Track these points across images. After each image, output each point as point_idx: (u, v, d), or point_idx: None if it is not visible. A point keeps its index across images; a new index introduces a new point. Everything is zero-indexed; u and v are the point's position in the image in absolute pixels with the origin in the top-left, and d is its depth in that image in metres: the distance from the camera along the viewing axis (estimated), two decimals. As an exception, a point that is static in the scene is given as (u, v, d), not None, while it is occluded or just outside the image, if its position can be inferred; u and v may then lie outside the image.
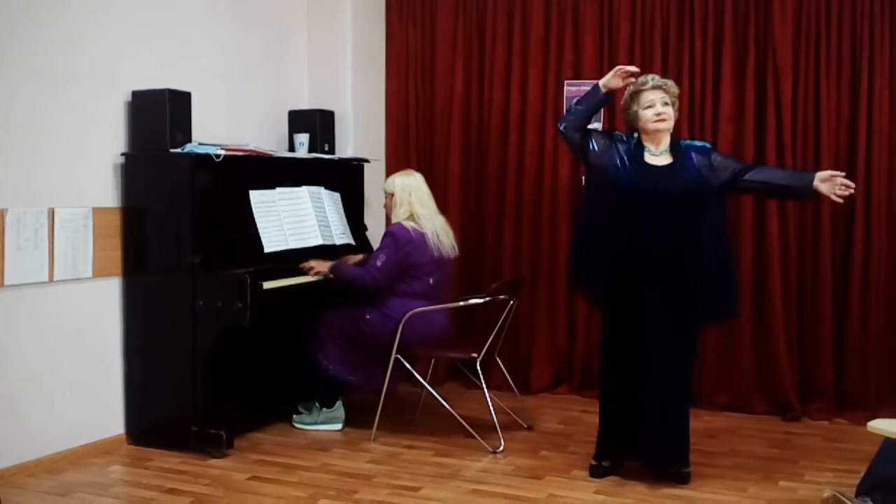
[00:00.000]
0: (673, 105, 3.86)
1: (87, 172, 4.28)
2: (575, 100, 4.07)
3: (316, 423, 4.76)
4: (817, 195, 3.82)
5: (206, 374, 4.29)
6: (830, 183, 3.75)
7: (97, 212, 4.31)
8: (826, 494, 3.27)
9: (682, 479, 3.91)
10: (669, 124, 3.84)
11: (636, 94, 3.86)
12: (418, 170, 5.66)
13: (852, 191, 3.77)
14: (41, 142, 4.06)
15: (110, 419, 4.43)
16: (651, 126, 3.82)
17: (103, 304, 4.39)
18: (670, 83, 3.90)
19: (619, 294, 3.83)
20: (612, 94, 3.96)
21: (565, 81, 5.53)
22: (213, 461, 4.22)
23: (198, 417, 4.31)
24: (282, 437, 4.64)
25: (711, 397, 5.21)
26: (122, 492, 3.87)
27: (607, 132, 3.96)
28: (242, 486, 3.92)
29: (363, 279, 4.50)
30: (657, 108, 3.81)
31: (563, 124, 3.94)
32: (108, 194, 4.38)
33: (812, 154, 5.09)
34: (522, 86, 5.63)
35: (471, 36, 5.77)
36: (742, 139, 5.16)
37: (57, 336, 4.16)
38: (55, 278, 4.13)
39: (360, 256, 4.85)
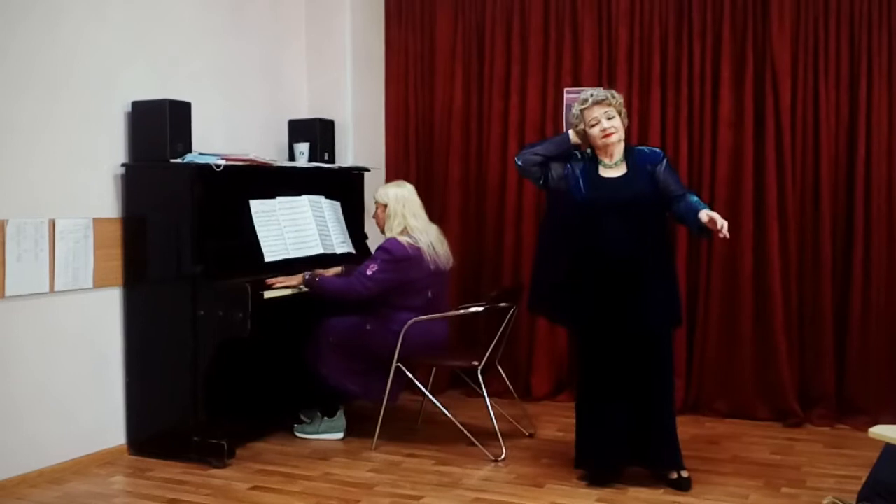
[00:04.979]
0: (620, 114, 3.92)
1: (88, 183, 4.29)
2: (536, 144, 4.19)
3: (317, 433, 4.76)
4: (708, 232, 3.81)
5: (207, 383, 4.29)
6: (711, 224, 3.72)
7: (98, 222, 4.31)
8: (826, 501, 3.27)
9: (683, 485, 3.91)
10: (618, 136, 3.90)
11: (581, 112, 3.92)
12: (418, 177, 5.71)
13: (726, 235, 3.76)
14: (41, 152, 4.07)
15: (112, 429, 4.43)
16: (600, 142, 3.90)
17: (104, 314, 4.39)
18: (609, 94, 3.93)
19: (586, 307, 3.87)
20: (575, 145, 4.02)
21: (565, 89, 5.54)
22: (215, 471, 4.21)
23: (199, 427, 4.31)
24: (283, 446, 4.64)
25: (713, 404, 5.20)
26: (125, 502, 3.87)
27: (564, 155, 4.00)
28: (244, 495, 3.92)
29: (353, 288, 4.46)
30: (602, 124, 3.88)
31: (521, 160, 4.04)
32: (108, 205, 4.39)
33: (811, 158, 5.09)
34: (522, 93, 5.64)
35: (470, 44, 5.79)
36: (742, 144, 5.17)
37: (58, 346, 4.17)
38: (56, 289, 4.13)
39: (338, 268, 4.80)
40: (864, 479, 3.26)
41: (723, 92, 5.20)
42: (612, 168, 3.93)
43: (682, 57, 5.29)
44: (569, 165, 3.97)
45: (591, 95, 3.93)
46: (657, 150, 4.06)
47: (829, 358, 5.05)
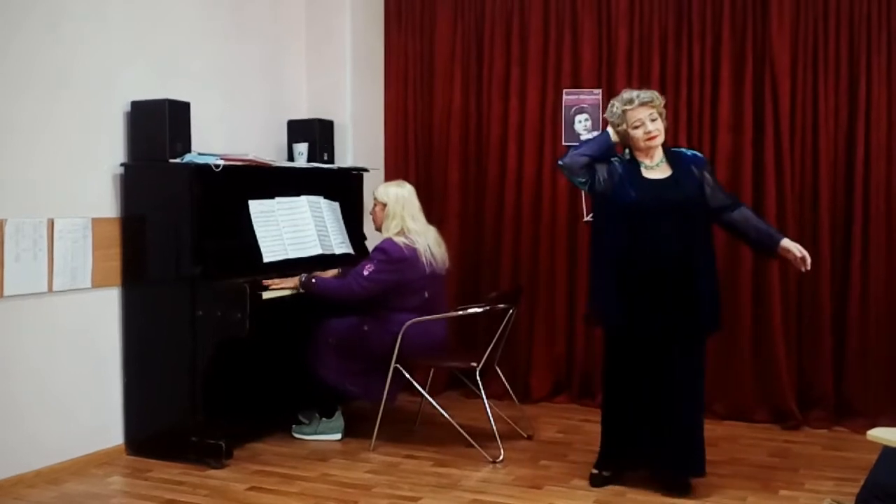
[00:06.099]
0: (661, 116, 3.88)
1: (87, 182, 4.29)
2: (581, 145, 4.03)
3: (315, 433, 4.76)
4: (780, 257, 3.96)
5: (205, 384, 4.29)
6: (794, 259, 3.86)
7: (96, 222, 4.31)
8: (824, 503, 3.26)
9: (682, 488, 3.90)
10: (660, 139, 3.87)
11: (624, 112, 3.86)
12: (417, 179, 5.71)
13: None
14: (40, 152, 4.06)
15: (110, 429, 4.43)
16: (643, 145, 3.86)
17: (103, 314, 4.39)
18: (654, 96, 3.88)
19: (629, 310, 3.83)
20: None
21: (564, 90, 5.54)
22: (213, 472, 4.21)
23: (197, 428, 4.30)
24: (281, 447, 4.63)
25: (711, 406, 5.16)
26: (122, 503, 3.86)
27: (607, 156, 3.96)
28: (242, 496, 3.92)
29: (349, 288, 4.45)
30: (647, 126, 3.83)
31: (565, 162, 3.95)
32: (107, 204, 4.38)
33: (810, 160, 5.10)
34: (521, 94, 5.64)
35: (469, 45, 5.79)
36: (741, 146, 5.17)
37: (56, 346, 4.16)
38: (54, 289, 4.13)
39: (335, 270, 4.78)
40: (862, 482, 3.26)
41: (722, 94, 5.20)
42: (655, 170, 3.88)
43: (681, 58, 5.29)
44: (610, 168, 3.90)
45: (638, 96, 3.85)
46: (699, 153, 4.02)
47: (828, 360, 5.05)
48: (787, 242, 3.87)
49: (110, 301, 4.42)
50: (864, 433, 3.23)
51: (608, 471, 4.01)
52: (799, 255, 3.83)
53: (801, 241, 5.02)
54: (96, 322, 4.36)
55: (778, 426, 5.02)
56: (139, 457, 4.41)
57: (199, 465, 4.26)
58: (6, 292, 3.92)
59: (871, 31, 4.95)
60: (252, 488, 4.01)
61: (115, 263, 4.41)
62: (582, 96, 5.50)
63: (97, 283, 4.33)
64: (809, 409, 5.07)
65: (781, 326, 5.08)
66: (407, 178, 5.29)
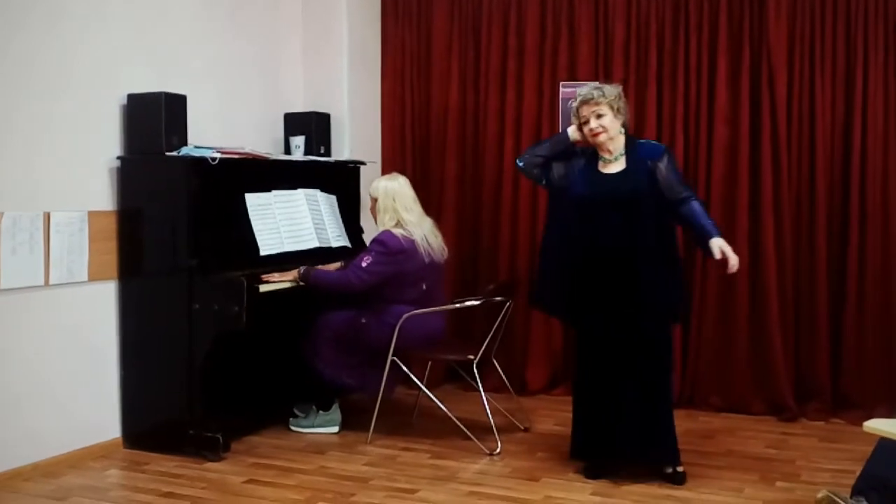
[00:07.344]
0: (612, 108, 3.87)
1: (83, 176, 4.28)
2: (538, 145, 4.19)
3: (313, 426, 4.76)
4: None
5: (202, 377, 4.29)
6: (723, 262, 3.82)
7: (93, 215, 4.31)
8: (820, 495, 3.26)
9: (677, 479, 3.92)
10: (607, 135, 3.88)
11: (576, 109, 3.94)
12: (414, 172, 5.70)
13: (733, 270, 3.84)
14: (37, 145, 4.05)
15: (107, 422, 4.43)
16: (591, 140, 3.92)
17: (99, 307, 4.38)
18: (600, 93, 3.87)
19: (582, 303, 3.90)
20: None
21: (561, 83, 5.54)
22: (210, 464, 4.21)
23: (194, 421, 4.30)
24: (278, 440, 4.64)
25: (708, 398, 5.21)
26: (120, 496, 3.87)
27: (566, 153, 4.03)
28: (239, 489, 3.92)
29: (347, 280, 4.45)
30: (591, 123, 3.88)
31: (523, 162, 4.10)
32: (103, 197, 4.38)
33: (807, 154, 5.10)
34: (518, 88, 5.64)
35: (466, 38, 5.78)
36: (737, 139, 5.17)
37: (53, 340, 4.16)
38: (51, 282, 4.12)
39: (337, 263, 4.77)
40: (858, 473, 3.27)
41: (719, 87, 5.20)
42: (612, 163, 3.92)
43: (678, 52, 5.29)
44: (571, 163, 3.98)
45: (580, 95, 3.93)
46: (659, 144, 4.04)
47: (825, 352, 5.06)
48: (712, 241, 3.82)
49: (107, 294, 4.42)
50: (861, 425, 3.23)
51: (584, 459, 4.04)
52: (719, 256, 3.79)
53: (798, 232, 5.10)
54: (93, 315, 4.36)
55: (775, 418, 5.02)
56: (136, 450, 4.41)
57: (197, 458, 4.26)
58: (2, 286, 3.91)
59: (867, 23, 4.94)
60: (249, 481, 4.01)
61: (111, 257, 4.40)
62: (579, 89, 5.48)
63: (94, 276, 4.32)
64: (806, 401, 5.08)
65: (778, 318, 5.08)
66: (404, 172, 5.28)
